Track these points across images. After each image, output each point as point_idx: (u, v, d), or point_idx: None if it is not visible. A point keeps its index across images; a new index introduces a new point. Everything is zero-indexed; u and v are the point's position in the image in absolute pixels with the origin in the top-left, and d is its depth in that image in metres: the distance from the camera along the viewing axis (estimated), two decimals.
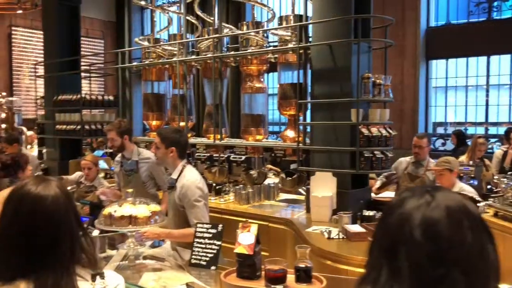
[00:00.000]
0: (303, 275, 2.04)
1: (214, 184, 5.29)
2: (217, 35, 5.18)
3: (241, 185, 5.19)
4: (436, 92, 9.89)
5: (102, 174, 5.87)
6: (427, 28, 9.54)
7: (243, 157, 5.37)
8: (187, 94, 5.70)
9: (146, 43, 6.17)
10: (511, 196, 4.48)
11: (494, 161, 6.18)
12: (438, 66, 9.74)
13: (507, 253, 4.34)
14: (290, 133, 4.94)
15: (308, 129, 4.70)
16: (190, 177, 3.18)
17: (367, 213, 4.06)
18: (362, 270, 3.07)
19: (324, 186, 4.32)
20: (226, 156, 5.50)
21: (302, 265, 2.05)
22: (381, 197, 4.93)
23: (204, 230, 2.51)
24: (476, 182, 5.18)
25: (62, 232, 1.25)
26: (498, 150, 6.41)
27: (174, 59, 5.64)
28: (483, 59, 9.15)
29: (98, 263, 1.43)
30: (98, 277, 1.32)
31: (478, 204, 3.56)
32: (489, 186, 5.29)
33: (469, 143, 6.95)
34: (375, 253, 0.89)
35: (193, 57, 5.63)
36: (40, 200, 1.25)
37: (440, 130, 9.76)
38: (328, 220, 4.20)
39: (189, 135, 5.80)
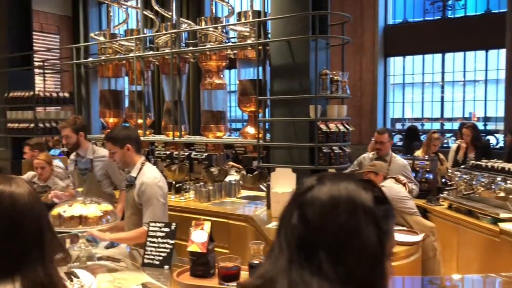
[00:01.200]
0: None
1: (174, 182, 5.21)
2: (175, 31, 5.09)
3: (202, 183, 5.13)
4: (394, 89, 10.13)
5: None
6: (385, 25, 9.74)
7: (204, 155, 5.31)
8: (145, 90, 5.58)
9: (102, 39, 5.99)
10: (464, 189, 4.64)
11: (450, 155, 6.37)
12: (395, 63, 9.97)
13: (460, 244, 4.51)
14: (251, 130, 4.93)
15: (268, 125, 4.69)
16: (150, 175, 3.10)
17: None
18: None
19: (284, 182, 4.33)
20: (187, 153, 5.43)
21: (256, 261, 2.03)
22: None
23: (157, 229, 2.46)
24: (431, 176, 5.32)
25: (42, 227, 1.26)
26: (454, 144, 6.62)
27: (131, 54, 5.51)
28: (438, 56, 9.44)
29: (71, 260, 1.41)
30: (72, 276, 1.29)
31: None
32: (444, 180, 5.45)
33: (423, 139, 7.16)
34: (276, 234, 0.94)
35: (151, 52, 5.51)
36: (18, 197, 1.24)
37: (398, 126, 10.00)
38: None
39: (147, 132, 5.69)
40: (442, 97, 9.52)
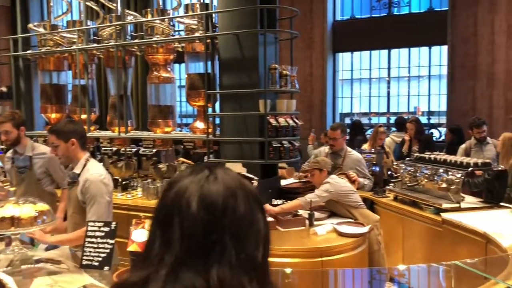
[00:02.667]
0: None
1: (120, 180, 5.05)
2: (119, 22, 4.91)
3: (150, 180, 4.99)
4: (343, 84, 10.32)
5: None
6: (334, 21, 9.90)
7: (153, 151, 5.18)
8: (89, 84, 5.36)
9: (42, 30, 5.69)
10: (408, 181, 4.78)
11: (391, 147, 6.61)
12: (344, 59, 10.16)
13: (406, 234, 4.65)
14: (200, 125, 4.84)
15: (218, 120, 4.63)
16: (94, 172, 2.96)
17: (275, 202, 4.09)
18: (270, 259, 3.08)
19: None
20: (135, 150, 5.27)
21: None
22: (289, 185, 5.00)
23: (96, 228, 2.35)
24: (378, 169, 5.44)
25: None
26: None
27: (74, 47, 5.27)
28: (384, 52, 9.71)
29: None
30: None
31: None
32: (389, 172, 5.60)
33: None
34: (152, 227, 0.92)
35: (95, 45, 5.29)
36: None
37: (347, 120, 10.21)
38: None
39: (92, 128, 5.48)
40: (388, 92, 9.81)
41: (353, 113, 10.27)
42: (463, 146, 5.96)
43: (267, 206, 3.91)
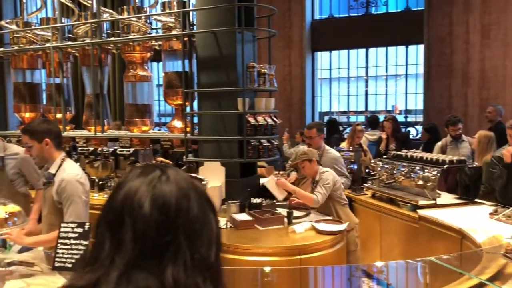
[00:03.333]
0: None
1: (97, 180, 4.97)
2: (95, 20, 4.83)
3: None
4: (322, 83, 10.38)
5: None
6: (312, 20, 9.94)
7: (131, 150, 5.11)
8: (64, 83, 5.25)
9: (14, 27, 5.56)
10: (386, 178, 4.83)
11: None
12: (322, 58, 10.22)
13: (383, 231, 4.70)
14: (178, 124, 4.80)
15: (196, 119, 4.60)
16: (70, 171, 2.90)
17: (254, 200, 4.08)
18: (249, 258, 3.04)
19: (213, 176, 4.27)
20: (112, 149, 5.19)
21: None
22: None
23: (69, 229, 2.30)
24: (356, 166, 5.49)
25: None
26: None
27: (48, 45, 5.16)
28: (362, 51, 9.79)
29: None
30: None
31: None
32: (367, 170, 5.65)
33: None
34: (100, 229, 0.90)
35: (70, 43, 5.19)
36: None
37: (327, 119, 10.27)
38: (217, 210, 4.15)
39: (68, 127, 5.37)
40: (366, 91, 9.90)
41: (332, 111, 10.33)
42: (439, 143, 6.05)
43: (282, 180, 4.05)
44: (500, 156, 4.53)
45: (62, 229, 2.32)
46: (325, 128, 7.94)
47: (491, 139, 5.18)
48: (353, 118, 9.92)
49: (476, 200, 4.41)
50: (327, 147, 4.95)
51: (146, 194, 0.85)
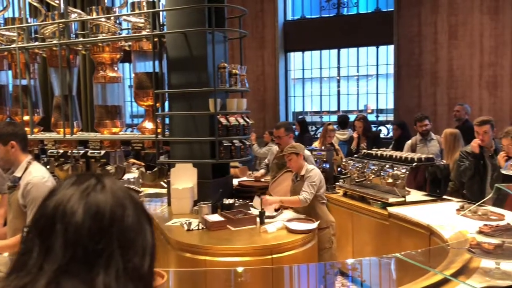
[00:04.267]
0: None
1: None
2: (63, 20, 4.74)
3: None
4: (295, 83, 10.45)
5: None
6: (285, 21, 10.00)
7: (102, 152, 5.03)
8: (31, 84, 5.13)
9: None
10: (357, 177, 4.89)
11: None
12: (295, 58, 10.29)
13: (355, 229, 4.76)
14: (149, 125, 4.75)
15: (168, 120, 4.56)
16: (37, 174, 2.84)
17: (227, 201, 4.08)
18: (221, 259, 3.03)
19: (184, 177, 4.25)
20: (83, 152, 5.10)
21: None
22: (243, 183, 5.01)
23: None
24: (328, 166, 5.54)
25: None
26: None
27: (13, 45, 5.04)
28: (334, 52, 9.90)
29: None
30: None
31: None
32: (339, 169, 5.71)
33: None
34: (30, 235, 0.89)
35: (36, 43, 5.08)
36: None
37: (297, 118, 10.34)
38: (189, 211, 4.14)
39: (35, 130, 5.26)
40: (339, 91, 10.02)
41: (306, 111, 10.41)
42: (409, 142, 6.17)
43: (267, 198, 3.97)
44: (467, 151, 4.66)
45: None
46: (296, 128, 8.02)
47: (457, 136, 5.32)
48: (326, 118, 10.02)
49: (444, 197, 4.51)
50: None
51: (80, 202, 0.84)
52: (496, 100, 8.26)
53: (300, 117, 9.71)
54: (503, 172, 3.47)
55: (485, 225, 2.99)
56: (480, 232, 2.87)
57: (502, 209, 3.92)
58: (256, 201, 4.02)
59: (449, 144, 5.34)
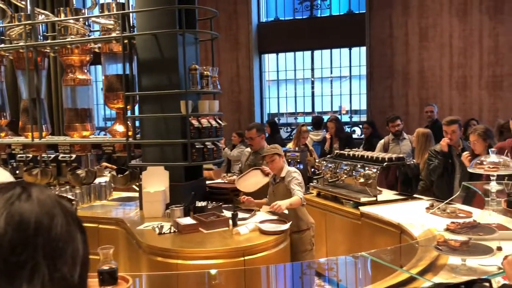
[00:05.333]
0: (107, 277, 1.90)
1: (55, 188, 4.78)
2: (29, 22, 4.63)
3: (68, 187, 4.76)
4: (270, 85, 10.48)
5: None
6: (258, 23, 10.02)
7: (73, 156, 4.95)
8: None
9: None
10: (330, 177, 4.93)
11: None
12: (270, 60, 10.32)
13: (328, 229, 4.79)
14: (120, 128, 4.69)
15: (139, 123, 4.51)
16: None
17: (199, 204, 4.05)
18: (193, 262, 3.01)
19: (156, 180, 4.21)
20: (54, 156, 5.01)
21: (105, 267, 1.90)
22: (216, 185, 4.98)
23: None
24: (301, 166, 5.57)
25: None
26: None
27: None
28: (308, 53, 9.97)
29: None
30: None
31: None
32: (313, 169, 5.75)
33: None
34: None
35: (2, 46, 4.95)
36: None
37: (267, 120, 10.36)
38: (162, 215, 4.10)
39: (2, 134, 5.13)
40: (313, 93, 10.09)
41: (281, 113, 10.44)
42: (381, 141, 6.26)
43: (279, 203, 3.74)
44: (436, 150, 4.76)
45: None
46: (267, 129, 8.03)
47: (429, 136, 5.42)
48: (301, 119, 10.08)
49: (415, 196, 4.59)
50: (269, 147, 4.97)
51: (2, 211, 0.80)
52: (466, 100, 8.46)
53: (270, 118, 9.73)
54: (470, 170, 3.55)
55: (452, 222, 3.05)
56: (447, 229, 2.93)
57: (470, 206, 4.00)
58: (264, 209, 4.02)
59: (421, 144, 5.44)
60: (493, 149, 3.52)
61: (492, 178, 3.35)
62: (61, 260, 0.82)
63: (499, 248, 2.77)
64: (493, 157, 3.32)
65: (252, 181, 4.42)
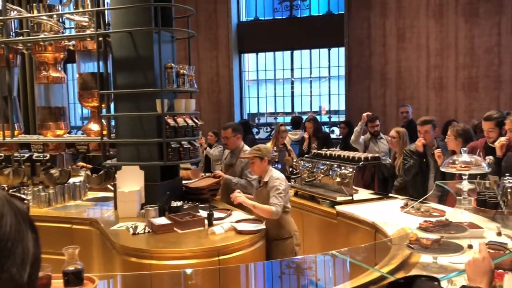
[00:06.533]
0: (73, 278, 1.86)
1: (7, 188, 4.66)
2: (1, 18, 4.52)
3: (41, 187, 4.67)
4: (250, 84, 10.46)
5: None
6: (238, 22, 10.00)
7: (47, 156, 4.85)
8: None
9: None
10: (307, 177, 4.95)
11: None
12: (249, 60, 10.30)
13: (305, 227, 4.80)
14: (94, 127, 4.62)
15: (114, 121, 4.45)
16: None
17: (175, 203, 4.01)
18: (167, 262, 2.97)
19: (131, 180, 4.15)
20: (28, 155, 4.91)
21: (71, 268, 1.86)
22: (193, 184, 4.95)
23: None
24: (280, 166, 5.59)
25: None
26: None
27: None
28: (287, 53, 9.99)
29: None
30: None
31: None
32: (291, 169, 5.76)
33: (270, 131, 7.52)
34: None
35: None
36: None
37: (255, 120, 10.37)
38: (137, 215, 4.05)
39: None
40: (292, 93, 10.11)
41: (261, 113, 10.44)
42: (362, 137, 6.32)
43: (237, 195, 3.69)
44: (411, 150, 4.82)
45: None
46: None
47: (405, 134, 5.51)
48: (280, 119, 10.09)
49: (390, 195, 4.63)
50: (246, 147, 4.96)
51: None
52: (442, 101, 8.59)
53: (249, 118, 9.72)
54: (442, 169, 3.60)
55: (425, 221, 3.09)
56: (420, 228, 2.97)
57: (444, 205, 4.06)
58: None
59: (401, 143, 5.53)
60: (465, 148, 3.57)
61: (464, 177, 3.40)
62: (10, 259, 0.80)
63: (470, 246, 2.81)
64: (465, 157, 3.37)
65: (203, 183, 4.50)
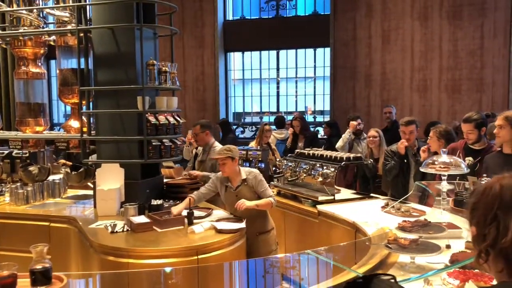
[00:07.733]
0: (40, 277, 1.82)
1: None
2: None
3: (19, 184, 4.58)
4: (235, 84, 10.44)
5: None
6: (224, 21, 9.96)
7: (26, 152, 4.77)
8: None
9: None
10: (290, 176, 4.94)
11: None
12: (235, 58, 10.27)
13: (287, 227, 4.80)
14: (75, 123, 4.56)
15: (94, 118, 4.38)
16: None
17: (155, 202, 3.97)
18: (145, 261, 2.93)
19: (111, 178, 4.10)
20: (7, 152, 4.82)
21: (38, 266, 1.82)
22: (174, 182, 4.91)
23: None
24: (263, 165, 5.56)
25: None
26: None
27: None
28: (273, 53, 9.98)
29: None
30: None
31: None
32: (274, 168, 5.75)
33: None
34: None
35: None
36: None
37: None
38: (116, 213, 4.00)
39: None
40: (278, 92, 10.11)
41: (247, 112, 10.42)
42: (346, 135, 6.33)
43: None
44: (392, 150, 4.84)
45: None
46: (219, 129, 8.01)
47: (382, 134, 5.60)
48: (266, 119, 10.08)
49: (372, 194, 4.64)
50: (216, 143, 4.98)
51: None
52: (426, 102, 8.66)
53: (222, 118, 9.68)
54: (421, 169, 3.62)
55: (404, 221, 3.10)
56: (398, 227, 2.97)
57: (424, 205, 4.08)
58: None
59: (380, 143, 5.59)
60: (445, 149, 3.60)
61: (443, 177, 3.42)
62: None
63: (448, 246, 2.83)
64: (444, 157, 3.39)
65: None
